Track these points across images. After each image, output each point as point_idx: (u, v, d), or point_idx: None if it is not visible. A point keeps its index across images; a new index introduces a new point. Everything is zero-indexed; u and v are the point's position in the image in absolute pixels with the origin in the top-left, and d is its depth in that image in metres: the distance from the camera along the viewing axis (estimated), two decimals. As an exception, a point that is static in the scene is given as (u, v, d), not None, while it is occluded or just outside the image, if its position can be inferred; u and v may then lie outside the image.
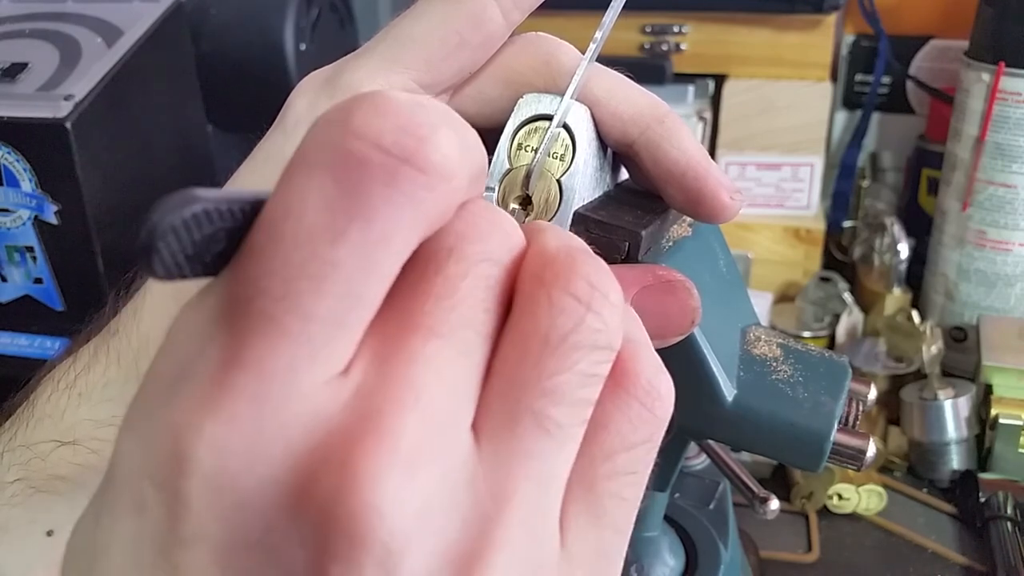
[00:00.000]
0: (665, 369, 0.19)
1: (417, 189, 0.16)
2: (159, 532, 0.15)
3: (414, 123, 0.16)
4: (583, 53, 0.28)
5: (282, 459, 0.15)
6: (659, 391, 0.19)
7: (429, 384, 0.16)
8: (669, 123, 0.27)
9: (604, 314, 0.17)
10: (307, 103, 0.29)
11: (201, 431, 0.15)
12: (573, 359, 0.17)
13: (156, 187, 0.61)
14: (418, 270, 0.17)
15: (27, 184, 0.54)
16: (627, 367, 0.19)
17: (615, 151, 0.28)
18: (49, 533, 0.29)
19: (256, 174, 0.29)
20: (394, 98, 0.16)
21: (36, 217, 0.55)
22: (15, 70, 0.56)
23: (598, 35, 0.27)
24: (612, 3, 0.27)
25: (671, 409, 0.19)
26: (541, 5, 0.29)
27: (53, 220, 0.55)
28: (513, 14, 0.28)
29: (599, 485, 0.18)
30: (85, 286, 0.57)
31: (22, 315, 0.58)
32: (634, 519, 0.19)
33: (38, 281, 0.57)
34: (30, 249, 0.56)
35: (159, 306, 0.31)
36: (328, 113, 0.16)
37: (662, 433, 0.19)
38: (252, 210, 0.16)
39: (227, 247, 0.16)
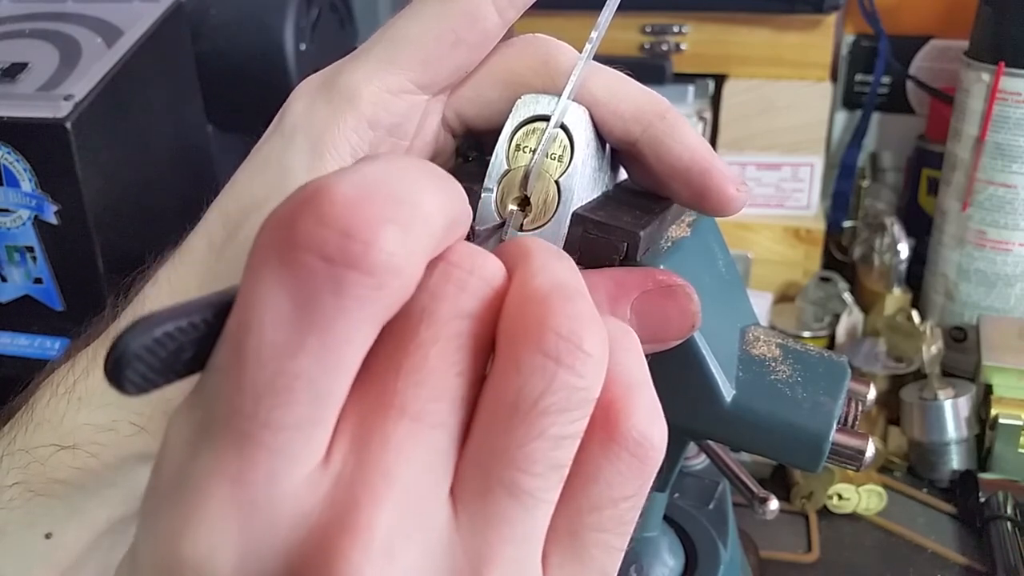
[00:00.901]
0: (660, 412, 0.19)
1: (367, 291, 0.16)
2: None
3: (355, 225, 0.16)
4: (577, 53, 0.28)
5: (273, 558, 0.16)
6: (651, 442, 0.19)
7: (402, 468, 0.17)
8: (671, 118, 0.27)
9: (576, 367, 0.17)
10: (304, 107, 0.29)
11: (195, 539, 0.16)
12: (544, 424, 0.17)
13: (156, 187, 0.61)
14: (393, 335, 0.17)
15: (27, 184, 0.54)
16: (618, 417, 0.18)
17: (617, 149, 0.28)
18: (48, 536, 0.29)
19: (254, 179, 0.29)
20: (335, 197, 0.16)
21: (36, 217, 0.55)
22: (15, 70, 0.56)
23: (594, 35, 0.27)
24: (607, 2, 0.27)
25: (662, 456, 0.19)
26: (539, 5, 0.29)
27: (53, 220, 0.55)
28: (508, 12, 0.28)
29: (585, 535, 0.19)
30: (85, 286, 0.56)
31: (22, 315, 0.58)
32: (620, 560, 0.19)
33: (38, 281, 0.57)
34: (30, 249, 0.56)
35: None
36: (273, 218, 0.16)
37: (651, 482, 0.19)
38: (215, 317, 0.17)
39: (196, 354, 0.17)
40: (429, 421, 0.17)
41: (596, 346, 0.18)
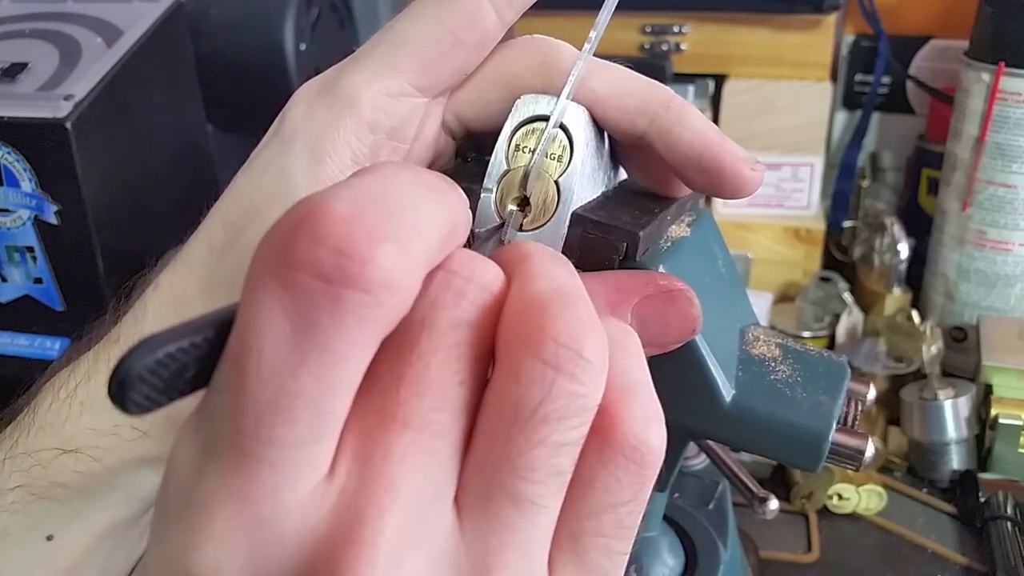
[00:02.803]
0: (659, 415, 0.19)
1: (364, 308, 0.16)
2: None
3: (351, 244, 0.16)
4: (577, 52, 0.28)
5: (279, 572, 0.16)
6: (649, 446, 0.19)
7: (406, 479, 0.17)
8: (676, 106, 0.27)
9: (576, 374, 0.17)
10: (303, 111, 0.28)
11: (204, 554, 0.16)
12: (544, 432, 0.17)
13: (156, 187, 0.61)
14: (393, 346, 0.17)
15: (27, 184, 0.54)
16: (615, 422, 0.18)
17: (625, 144, 0.28)
18: (49, 538, 0.30)
19: (254, 184, 0.29)
20: (332, 216, 0.16)
21: (36, 217, 0.55)
22: (15, 70, 0.56)
23: (592, 34, 0.27)
24: (606, 2, 0.27)
25: (661, 460, 0.19)
26: (539, 5, 0.29)
27: (53, 220, 0.55)
28: (507, 12, 0.28)
29: (586, 540, 0.19)
30: (85, 286, 0.56)
31: (22, 315, 0.58)
32: (624, 564, 0.19)
33: (38, 281, 0.57)
34: (30, 249, 0.56)
35: (161, 318, 0.31)
36: (270, 236, 0.17)
37: (651, 485, 0.19)
38: (217, 336, 0.17)
39: (199, 370, 0.17)
40: (431, 432, 0.17)
41: (596, 352, 0.17)
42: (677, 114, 0.27)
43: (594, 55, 0.27)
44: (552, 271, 0.19)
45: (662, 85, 0.28)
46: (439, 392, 0.17)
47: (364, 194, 0.17)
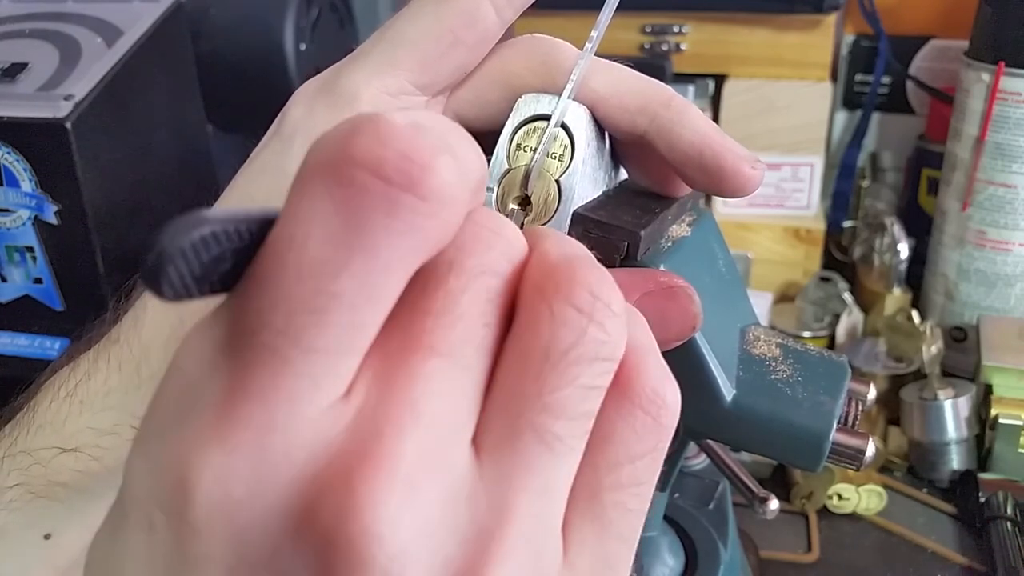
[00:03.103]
0: (671, 376, 0.19)
1: (418, 217, 0.16)
2: (169, 553, 0.16)
3: (414, 149, 0.16)
4: (577, 51, 0.28)
5: (287, 485, 0.15)
6: (664, 399, 0.19)
7: (429, 403, 0.16)
8: (676, 105, 0.27)
9: (606, 324, 0.17)
10: (303, 111, 0.28)
11: (207, 460, 0.15)
12: (574, 373, 0.17)
13: (156, 187, 0.61)
14: (419, 285, 0.17)
15: (27, 184, 0.54)
16: (631, 376, 0.18)
17: (625, 143, 0.28)
18: (47, 537, 0.29)
19: (253, 184, 0.29)
20: (394, 123, 0.16)
21: (36, 217, 0.55)
22: (15, 70, 0.56)
23: (594, 34, 0.27)
24: (607, 2, 0.27)
25: (677, 417, 0.19)
26: (538, 5, 0.29)
27: (53, 220, 0.55)
28: (506, 11, 0.28)
29: (603, 496, 0.18)
30: (85, 286, 0.56)
31: (22, 315, 0.58)
32: (640, 528, 0.19)
33: (38, 281, 0.57)
34: (30, 249, 0.56)
35: (161, 316, 0.31)
36: (328, 136, 0.16)
37: (668, 442, 0.19)
38: (259, 230, 0.16)
39: (234, 267, 0.16)
40: (457, 362, 0.17)
41: (621, 308, 0.18)
42: (678, 113, 0.27)
43: (595, 55, 0.27)
44: (571, 243, 0.19)
45: (663, 84, 0.28)
46: (468, 326, 0.17)
47: (419, 118, 0.16)
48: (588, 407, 0.18)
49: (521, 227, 0.26)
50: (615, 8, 0.27)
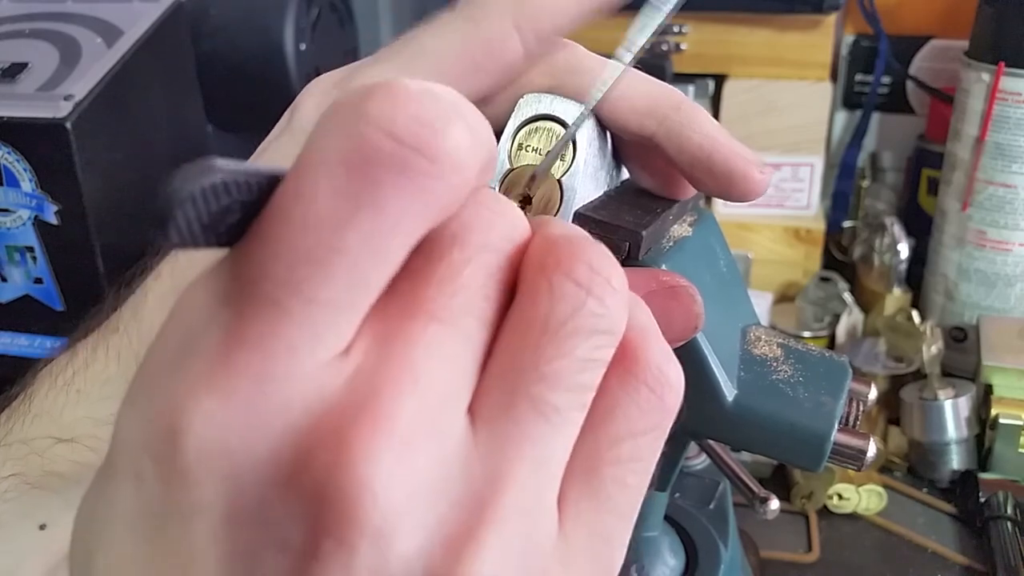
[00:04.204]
0: (675, 357, 0.19)
1: (428, 179, 0.16)
2: (158, 505, 0.15)
3: (428, 113, 0.16)
4: (585, 51, 0.28)
5: (280, 436, 0.15)
6: (668, 378, 0.19)
7: (428, 367, 0.16)
8: (686, 109, 0.27)
9: (605, 298, 0.17)
10: (315, 105, 0.28)
11: (200, 407, 0.15)
12: (572, 344, 0.17)
13: (156, 187, 0.61)
14: (423, 255, 0.17)
15: (27, 184, 0.54)
16: (636, 353, 0.18)
17: (631, 144, 0.28)
18: (42, 527, 0.29)
19: None
20: (409, 86, 0.16)
21: (36, 217, 0.55)
22: (15, 70, 0.56)
23: (628, 56, 0.26)
24: (642, 12, 0.26)
25: (680, 398, 0.19)
26: None
27: (53, 220, 0.55)
28: (534, 46, 0.27)
29: (603, 470, 0.18)
30: (85, 286, 0.57)
31: (22, 315, 0.58)
32: (639, 506, 0.19)
33: (38, 281, 0.57)
34: (30, 249, 0.56)
35: (161, 306, 0.31)
36: (342, 99, 0.16)
37: (670, 422, 0.19)
38: (268, 185, 0.16)
39: (241, 219, 0.16)
40: (459, 330, 0.17)
41: (621, 285, 0.18)
42: (687, 117, 0.27)
43: (596, 55, 0.27)
44: (575, 227, 0.19)
45: (672, 87, 0.28)
46: (468, 297, 0.17)
47: (431, 86, 0.16)
48: (585, 379, 0.18)
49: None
50: (657, 25, 0.26)
